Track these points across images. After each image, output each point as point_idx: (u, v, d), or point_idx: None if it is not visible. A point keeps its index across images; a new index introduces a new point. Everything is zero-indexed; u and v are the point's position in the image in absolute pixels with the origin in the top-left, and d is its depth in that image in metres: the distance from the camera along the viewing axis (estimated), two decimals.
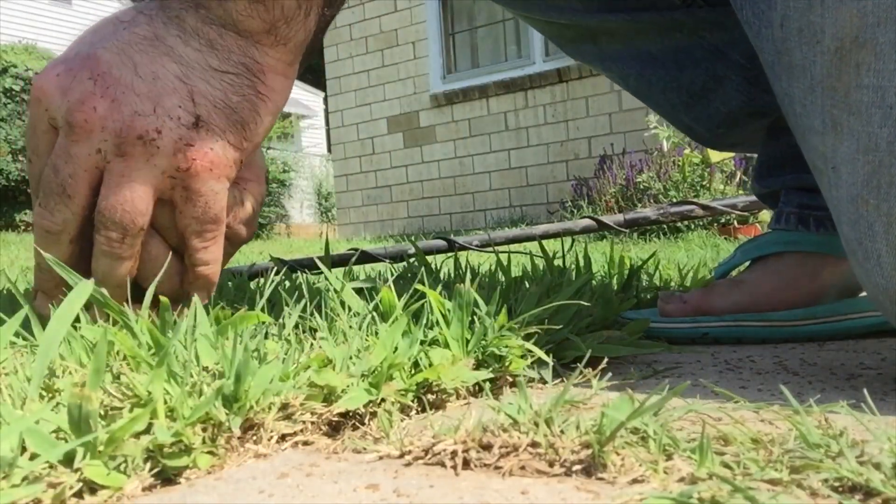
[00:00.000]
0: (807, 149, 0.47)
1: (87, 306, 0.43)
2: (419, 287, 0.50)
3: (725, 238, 3.24)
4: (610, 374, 0.46)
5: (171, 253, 0.48)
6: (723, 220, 3.49)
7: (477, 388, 0.47)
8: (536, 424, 0.33)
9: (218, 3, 0.46)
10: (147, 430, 0.32)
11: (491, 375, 0.47)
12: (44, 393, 0.37)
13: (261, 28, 0.46)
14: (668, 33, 0.70)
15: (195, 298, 0.44)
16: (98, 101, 0.44)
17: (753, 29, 0.49)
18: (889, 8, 0.39)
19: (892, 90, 0.40)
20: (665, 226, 3.43)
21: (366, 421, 0.40)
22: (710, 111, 0.72)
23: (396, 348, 0.43)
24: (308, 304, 0.51)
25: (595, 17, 0.71)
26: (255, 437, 0.36)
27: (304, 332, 0.48)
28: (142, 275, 0.48)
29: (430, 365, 0.44)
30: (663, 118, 0.78)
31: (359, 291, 0.59)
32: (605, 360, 0.48)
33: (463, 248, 1.04)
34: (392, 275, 0.84)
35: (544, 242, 0.91)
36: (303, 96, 13.53)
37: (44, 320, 0.42)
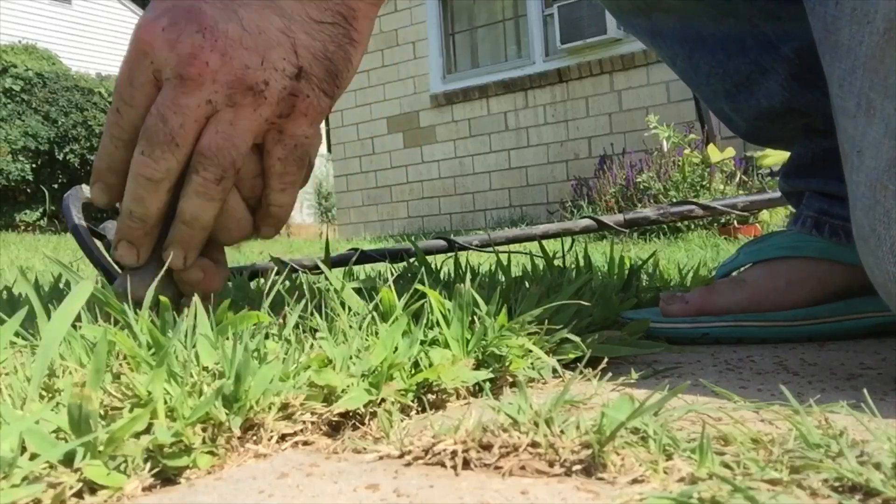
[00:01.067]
0: (839, 131, 0.47)
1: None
2: (419, 287, 0.50)
3: (725, 238, 3.24)
4: (610, 374, 0.46)
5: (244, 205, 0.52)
6: (723, 220, 3.49)
7: (477, 388, 0.47)
8: (536, 424, 0.33)
9: None
10: (147, 430, 0.32)
11: (491, 375, 0.47)
12: (44, 393, 0.37)
13: None
14: (723, 18, 0.70)
15: (195, 299, 0.44)
16: (209, 55, 0.46)
17: (809, 5, 0.49)
18: None
19: None
20: (665, 226, 3.43)
21: (366, 421, 0.40)
22: (751, 102, 0.72)
23: (396, 348, 0.43)
24: (308, 304, 0.51)
25: None
26: (255, 437, 0.36)
27: (304, 332, 0.48)
28: (219, 224, 0.50)
29: (430, 365, 0.44)
30: (705, 104, 0.77)
31: (359, 291, 0.59)
32: (605, 360, 0.48)
33: (463, 248, 1.04)
34: (392, 275, 0.84)
35: (544, 242, 0.91)
36: None
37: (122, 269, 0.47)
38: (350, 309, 0.52)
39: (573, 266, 0.84)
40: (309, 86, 0.48)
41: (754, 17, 0.69)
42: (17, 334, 0.44)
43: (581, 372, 0.44)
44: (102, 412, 0.34)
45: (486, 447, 0.33)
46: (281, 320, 0.47)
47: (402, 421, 0.41)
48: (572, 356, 0.51)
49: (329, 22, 0.48)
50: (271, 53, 0.47)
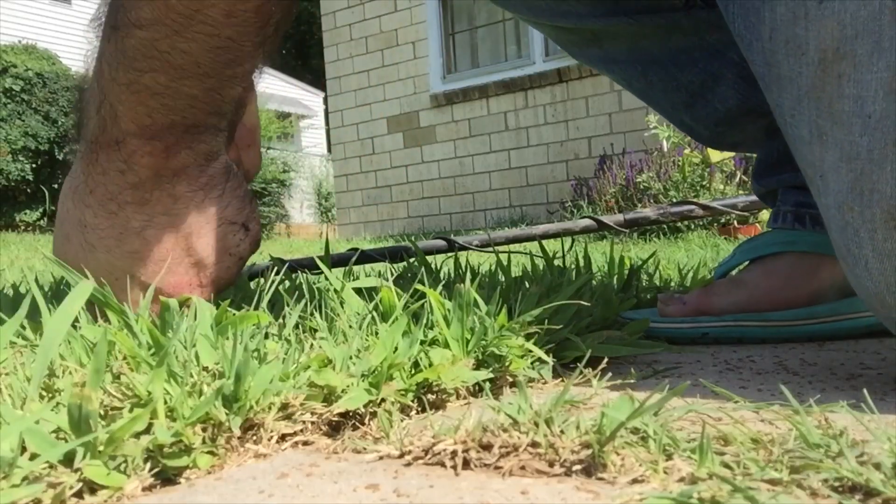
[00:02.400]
0: (798, 158, 0.48)
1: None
2: (419, 287, 0.50)
3: (725, 238, 3.24)
4: (610, 374, 0.46)
5: None
6: (723, 220, 3.49)
7: (477, 388, 0.47)
8: (536, 424, 0.33)
9: None
10: (147, 430, 0.32)
11: (491, 375, 0.47)
12: (44, 393, 0.37)
13: None
14: (669, 35, 0.71)
15: (195, 299, 0.44)
16: (195, 273, 0.57)
17: (745, 41, 0.50)
18: (865, 20, 0.40)
19: (870, 100, 0.41)
20: (665, 226, 3.43)
21: (366, 421, 0.40)
22: (708, 110, 0.73)
23: (396, 348, 0.43)
24: (308, 304, 0.51)
25: (599, 21, 0.72)
26: (255, 437, 0.36)
27: (304, 332, 0.48)
28: None
29: (430, 365, 0.44)
30: (666, 119, 0.79)
31: (359, 291, 0.59)
32: (605, 360, 0.48)
33: (463, 248, 1.04)
34: (392, 275, 0.84)
35: (544, 242, 0.91)
36: (303, 96, 13.48)
37: None
38: (350, 309, 0.52)
39: (573, 266, 0.84)
40: None
41: (699, 30, 0.70)
42: (17, 334, 0.44)
43: (581, 372, 0.44)
44: (102, 412, 0.34)
45: (486, 447, 0.33)
46: (281, 320, 0.47)
47: (402, 421, 0.41)
48: (572, 356, 0.51)
49: None
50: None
